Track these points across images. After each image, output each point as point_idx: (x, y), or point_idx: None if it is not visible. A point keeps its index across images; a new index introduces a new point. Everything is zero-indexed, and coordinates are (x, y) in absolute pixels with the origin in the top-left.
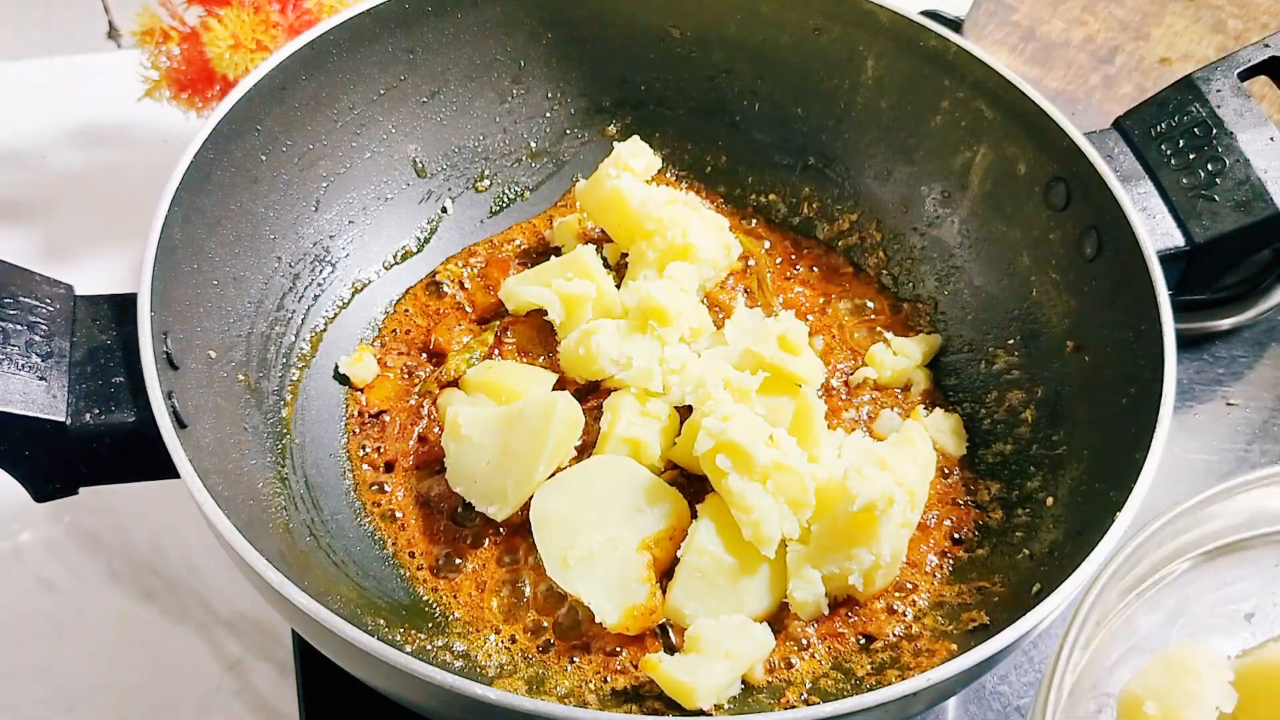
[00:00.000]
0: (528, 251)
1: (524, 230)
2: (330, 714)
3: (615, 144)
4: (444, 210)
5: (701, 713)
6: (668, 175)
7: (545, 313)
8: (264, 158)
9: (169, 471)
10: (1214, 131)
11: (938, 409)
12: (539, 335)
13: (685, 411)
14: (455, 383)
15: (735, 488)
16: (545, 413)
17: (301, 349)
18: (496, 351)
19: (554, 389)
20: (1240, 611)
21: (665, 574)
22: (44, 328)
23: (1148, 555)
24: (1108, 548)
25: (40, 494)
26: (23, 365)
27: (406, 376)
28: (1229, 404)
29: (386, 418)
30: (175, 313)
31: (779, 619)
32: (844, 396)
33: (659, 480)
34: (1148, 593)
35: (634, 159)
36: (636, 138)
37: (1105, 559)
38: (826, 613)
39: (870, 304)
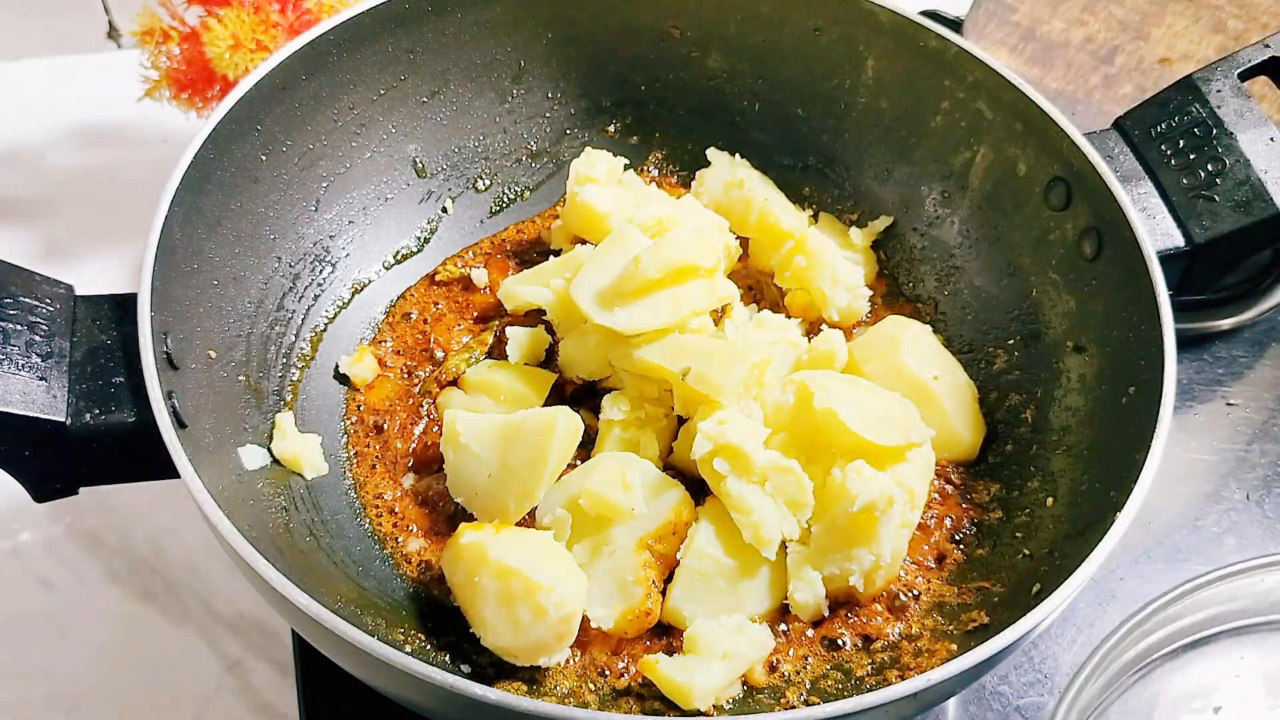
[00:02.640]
0: (527, 251)
1: (523, 230)
2: (330, 714)
3: (571, 163)
4: (444, 210)
5: (701, 713)
6: (668, 175)
7: (544, 312)
8: (264, 158)
9: (169, 471)
10: (1214, 132)
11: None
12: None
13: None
14: (455, 382)
15: (734, 490)
16: (545, 431)
17: (301, 349)
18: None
19: (552, 388)
20: (1209, 706)
21: (669, 569)
22: (44, 328)
23: (1119, 656)
24: (1108, 548)
25: (40, 494)
26: (23, 365)
27: (406, 376)
28: (1229, 404)
29: (386, 417)
30: (175, 313)
31: (779, 619)
32: None
33: (660, 474)
34: (1120, 692)
35: (592, 169)
36: (589, 149)
37: (1103, 563)
38: (827, 614)
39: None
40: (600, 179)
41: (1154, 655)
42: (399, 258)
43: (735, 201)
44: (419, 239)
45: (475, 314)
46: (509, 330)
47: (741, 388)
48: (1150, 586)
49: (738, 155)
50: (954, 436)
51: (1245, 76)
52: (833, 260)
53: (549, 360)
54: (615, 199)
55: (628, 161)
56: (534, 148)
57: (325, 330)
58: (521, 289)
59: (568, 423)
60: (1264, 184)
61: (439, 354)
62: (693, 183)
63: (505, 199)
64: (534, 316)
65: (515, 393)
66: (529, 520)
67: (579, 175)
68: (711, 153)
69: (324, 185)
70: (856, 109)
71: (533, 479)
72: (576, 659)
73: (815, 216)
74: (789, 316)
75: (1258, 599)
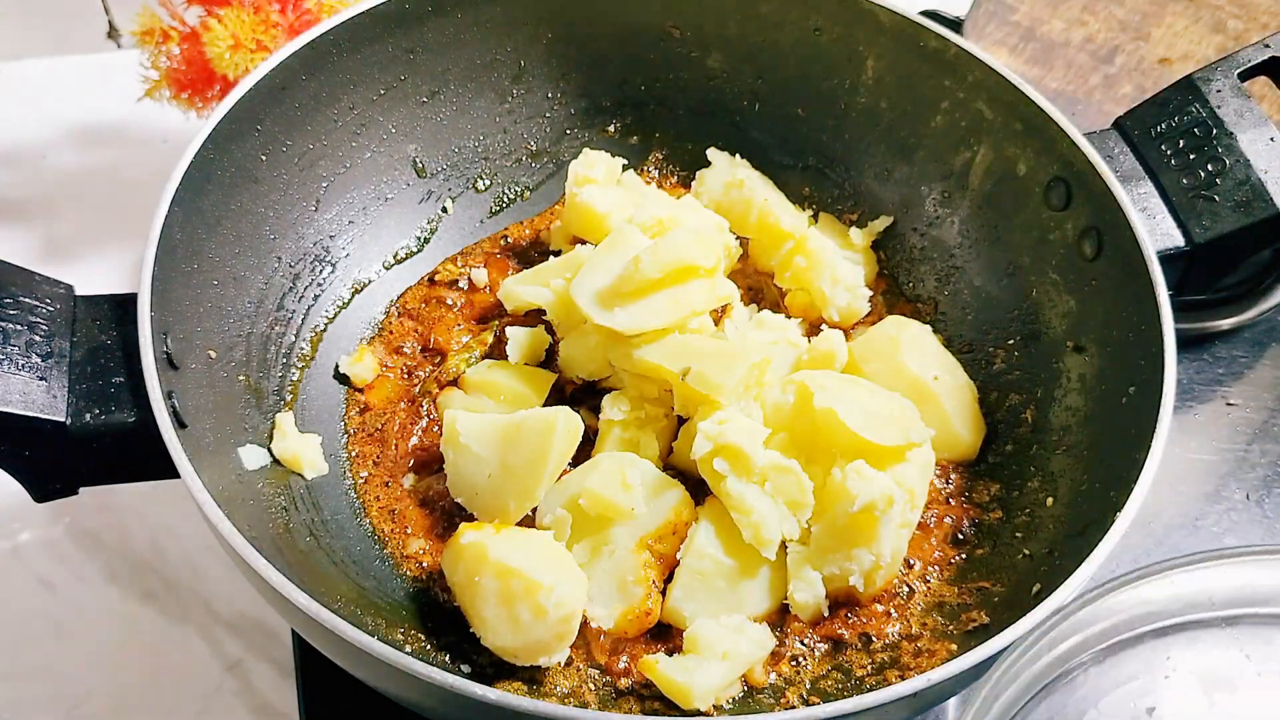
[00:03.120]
0: (527, 252)
1: (523, 230)
2: (330, 714)
3: (570, 164)
4: (444, 210)
5: (701, 713)
6: (668, 175)
7: (544, 312)
8: (264, 158)
9: (169, 471)
10: (1214, 132)
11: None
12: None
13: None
14: (455, 382)
15: (734, 490)
16: (545, 431)
17: (301, 349)
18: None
19: (552, 388)
20: (1142, 706)
21: (669, 570)
22: (44, 328)
23: (1041, 654)
24: (1108, 548)
25: (40, 494)
26: (23, 365)
27: (406, 376)
28: (1229, 404)
29: (386, 417)
30: (175, 313)
31: (779, 619)
32: None
33: (660, 474)
34: (1051, 690)
35: (591, 170)
36: (587, 150)
37: (1103, 563)
38: (827, 613)
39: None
40: (599, 180)
41: (1075, 658)
42: (399, 258)
43: (735, 201)
44: (419, 239)
45: (475, 314)
46: (509, 330)
47: (741, 388)
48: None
49: (738, 155)
50: (954, 437)
51: (1245, 76)
52: (832, 260)
53: (549, 360)
54: (614, 200)
55: (626, 162)
56: (534, 148)
57: (325, 330)
58: (521, 289)
59: (568, 423)
60: (1264, 184)
61: (439, 354)
62: (693, 183)
63: (505, 199)
64: (534, 316)
65: (515, 392)
66: (529, 520)
67: (578, 177)
68: (712, 153)
69: (324, 185)
70: (856, 109)
71: (533, 479)
72: (576, 659)
73: (815, 216)
74: (789, 316)
75: (1171, 600)
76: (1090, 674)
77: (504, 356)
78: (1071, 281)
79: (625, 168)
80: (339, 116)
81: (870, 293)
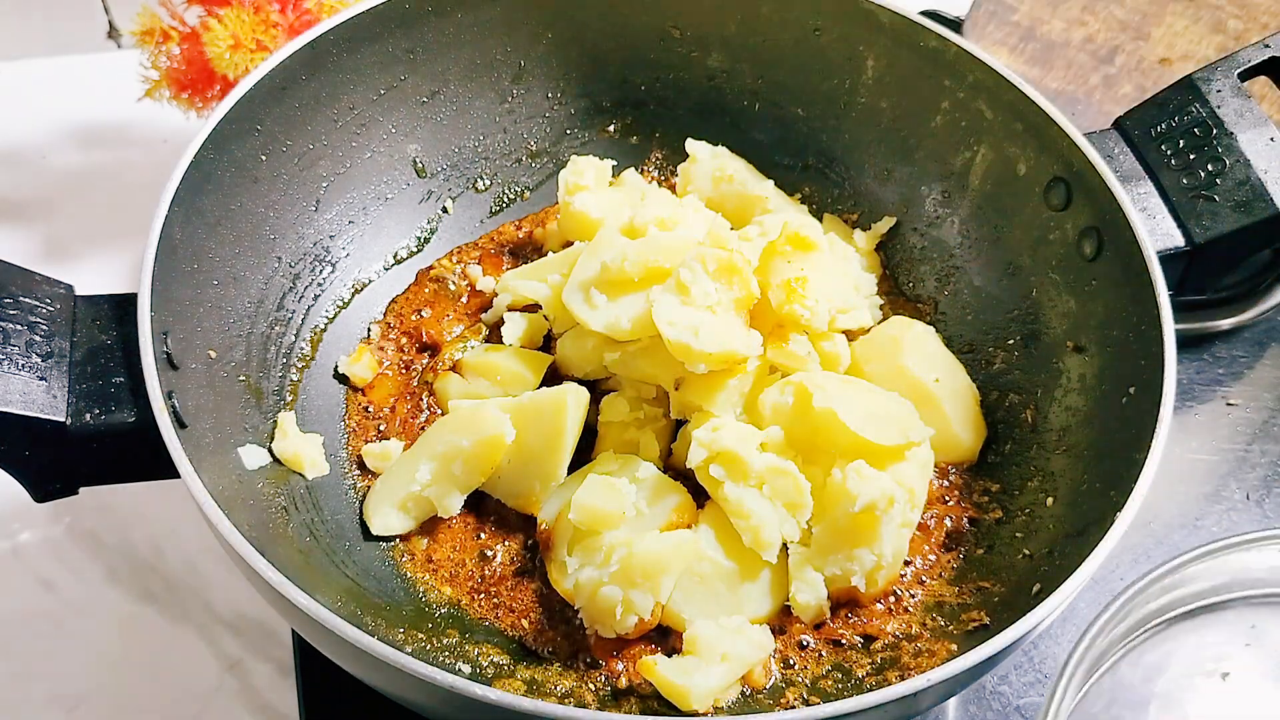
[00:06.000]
0: (525, 250)
1: (523, 230)
2: (330, 714)
3: (560, 173)
4: (444, 210)
5: (699, 714)
6: (668, 176)
7: (540, 307)
8: (264, 158)
9: (169, 471)
10: (1214, 132)
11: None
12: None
13: None
14: (453, 369)
15: (732, 495)
16: (557, 408)
17: (301, 349)
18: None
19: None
20: (1218, 671)
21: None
22: (44, 328)
23: (1135, 610)
24: (1108, 548)
25: (40, 494)
26: (23, 365)
27: (404, 371)
28: (1229, 404)
29: (387, 417)
30: (175, 313)
31: (780, 620)
32: None
33: (661, 475)
34: (1133, 646)
35: (582, 177)
36: (575, 157)
37: (1103, 562)
38: (828, 614)
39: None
40: (590, 185)
41: (1168, 614)
42: (399, 258)
43: (727, 196)
44: (419, 239)
45: (471, 308)
46: (506, 315)
47: (736, 395)
48: None
49: (720, 145)
50: (954, 439)
51: (1245, 76)
52: (855, 270)
53: (545, 347)
54: (608, 203)
55: (616, 163)
56: (534, 148)
57: (325, 330)
58: (519, 283)
59: (577, 397)
60: (1264, 184)
61: (434, 347)
62: (676, 180)
63: (505, 199)
64: (532, 310)
65: (512, 373)
66: (530, 519)
67: (569, 185)
68: (690, 144)
69: (324, 185)
70: (856, 109)
71: (554, 457)
72: (576, 659)
73: (819, 218)
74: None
75: (1273, 570)
76: (1178, 630)
77: (500, 343)
78: (1071, 281)
79: (617, 169)
80: (339, 116)
81: (881, 300)
